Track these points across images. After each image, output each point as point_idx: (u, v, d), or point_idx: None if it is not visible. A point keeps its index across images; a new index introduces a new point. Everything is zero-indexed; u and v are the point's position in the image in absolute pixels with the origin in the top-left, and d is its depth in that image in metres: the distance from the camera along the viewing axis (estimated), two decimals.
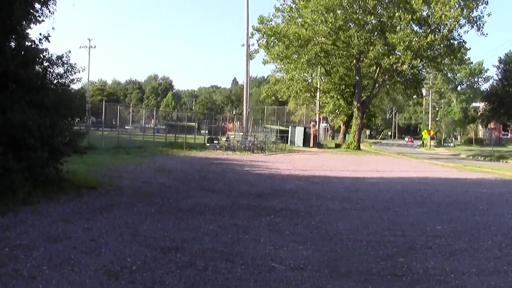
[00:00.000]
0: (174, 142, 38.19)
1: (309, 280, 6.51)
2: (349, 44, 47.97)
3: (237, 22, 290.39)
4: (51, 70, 13.22)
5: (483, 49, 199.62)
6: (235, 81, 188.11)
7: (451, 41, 48.04)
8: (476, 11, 45.90)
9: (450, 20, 44.33)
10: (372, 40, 47.70)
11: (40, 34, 12.88)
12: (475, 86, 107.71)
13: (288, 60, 53.39)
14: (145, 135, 39.99)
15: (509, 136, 74.35)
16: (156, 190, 14.29)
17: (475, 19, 46.04)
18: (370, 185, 19.26)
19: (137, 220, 9.74)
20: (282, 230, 9.47)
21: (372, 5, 46.22)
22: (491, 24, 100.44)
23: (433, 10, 44.66)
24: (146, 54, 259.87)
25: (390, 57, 46.11)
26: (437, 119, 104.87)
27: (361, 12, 46.84)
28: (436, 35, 44.62)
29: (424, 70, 59.62)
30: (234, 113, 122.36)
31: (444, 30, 45.49)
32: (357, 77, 52.44)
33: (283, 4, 53.58)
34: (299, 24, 49.99)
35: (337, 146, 56.89)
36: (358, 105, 52.16)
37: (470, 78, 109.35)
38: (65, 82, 13.50)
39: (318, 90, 64.48)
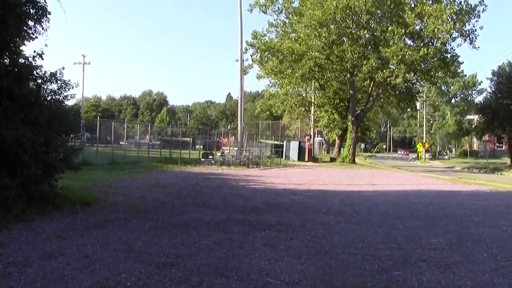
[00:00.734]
0: (169, 158, 38.16)
1: None
2: (343, 59, 48.15)
3: (231, 37, 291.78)
4: (45, 87, 13.24)
5: (477, 62, 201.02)
6: (229, 96, 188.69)
7: (444, 54, 48.30)
8: (469, 24, 46.23)
9: (443, 33, 44.56)
10: (365, 54, 47.91)
11: (34, 51, 12.92)
12: (469, 99, 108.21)
13: (282, 74, 53.50)
14: (140, 151, 39.91)
15: (503, 148, 74.46)
16: (151, 206, 14.26)
17: (467, 32, 46.31)
18: (365, 198, 19.25)
19: (131, 236, 9.71)
20: (277, 245, 9.45)
21: (365, 19, 46.48)
22: (484, 37, 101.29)
23: (425, 24, 44.88)
24: (141, 70, 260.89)
25: (384, 71, 46.27)
26: (431, 132, 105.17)
27: (354, 26, 47.09)
28: (429, 49, 44.85)
29: (418, 84, 59.90)
30: (228, 128, 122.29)
31: (437, 44, 45.71)
32: (351, 91, 52.56)
33: (277, 19, 53.91)
34: (293, 39, 50.22)
35: (332, 160, 56.90)
36: (353, 119, 52.27)
37: (464, 91, 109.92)
38: (59, 98, 13.50)
39: (312, 104, 64.58)
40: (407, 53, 44.45)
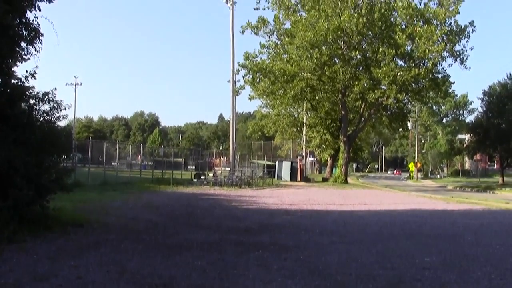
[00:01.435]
0: (161, 178, 38.08)
1: None
2: (335, 79, 48.35)
3: (223, 58, 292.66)
4: (37, 108, 13.24)
5: (468, 82, 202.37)
6: (221, 117, 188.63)
7: (435, 74, 48.64)
8: (459, 45, 46.72)
9: (434, 54, 44.94)
10: (357, 75, 48.17)
11: (27, 71, 12.93)
12: (460, 118, 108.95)
13: (274, 95, 53.64)
14: (132, 171, 39.85)
15: (495, 167, 74.68)
16: (143, 227, 14.21)
17: (458, 53, 46.76)
18: (358, 218, 19.25)
19: (124, 257, 9.64)
20: (270, 265, 9.40)
21: (357, 40, 46.80)
22: (475, 57, 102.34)
23: (416, 45, 45.22)
24: (132, 91, 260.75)
25: (375, 91, 46.43)
26: (423, 151, 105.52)
27: (345, 47, 47.37)
28: (420, 69, 45.10)
29: (409, 104, 60.13)
30: (220, 148, 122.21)
31: (428, 64, 45.95)
32: (343, 112, 52.69)
33: (269, 40, 54.06)
34: (285, 60, 50.43)
35: (324, 180, 56.85)
36: (345, 139, 52.35)
37: (455, 110, 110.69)
38: (51, 119, 13.49)
39: (304, 124, 64.64)
40: (399, 74, 44.72)
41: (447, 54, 46.84)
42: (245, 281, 8.12)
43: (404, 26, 46.78)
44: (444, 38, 44.96)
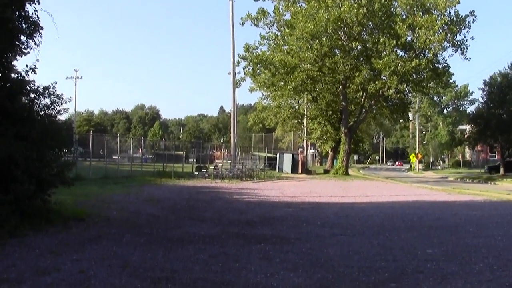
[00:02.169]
0: (162, 171, 38.05)
1: None
2: (335, 71, 48.31)
3: (223, 50, 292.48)
4: (38, 102, 13.20)
5: (468, 72, 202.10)
6: (222, 109, 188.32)
7: (436, 65, 48.55)
8: (460, 35, 46.62)
9: (434, 44, 44.85)
10: (357, 66, 48.10)
11: (27, 65, 12.90)
12: (461, 109, 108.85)
13: (274, 87, 53.64)
14: (133, 165, 39.80)
15: (496, 158, 74.56)
16: (145, 220, 14.20)
17: (458, 43, 46.66)
18: (360, 210, 19.24)
19: (126, 251, 9.64)
20: (272, 258, 9.40)
21: (357, 31, 46.69)
22: (476, 47, 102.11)
23: (417, 35, 45.17)
24: (133, 84, 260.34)
25: (376, 82, 46.41)
26: (424, 142, 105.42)
27: (346, 38, 47.29)
28: (421, 60, 45.11)
29: (410, 95, 60.04)
30: (221, 141, 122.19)
31: (429, 55, 45.96)
32: (343, 103, 52.65)
33: (269, 32, 54.04)
34: (285, 51, 50.41)
35: (326, 172, 56.86)
36: (346, 130, 52.33)
37: (456, 101, 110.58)
38: (52, 113, 13.47)
39: (305, 116, 64.60)
40: (399, 64, 44.69)
41: (448, 44, 46.77)
42: (247, 274, 8.10)
43: (404, 16, 46.82)
44: (445, 28, 44.87)
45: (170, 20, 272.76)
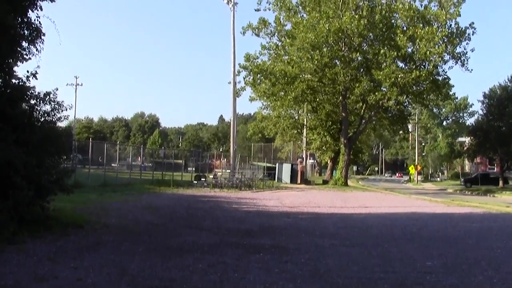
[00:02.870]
0: (161, 180, 37.98)
1: None
2: (335, 81, 48.32)
3: (224, 59, 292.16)
4: (38, 108, 13.18)
5: (468, 85, 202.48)
6: (221, 118, 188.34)
7: (436, 77, 48.61)
8: (460, 47, 46.74)
9: (435, 56, 44.94)
10: (358, 77, 48.13)
11: (28, 71, 12.87)
12: (460, 121, 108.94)
13: (274, 97, 53.68)
14: (132, 173, 39.80)
15: (495, 170, 74.57)
16: (144, 228, 14.18)
17: (459, 55, 46.77)
18: (359, 221, 19.23)
19: (124, 259, 9.61)
20: (271, 268, 9.38)
21: (358, 42, 46.82)
22: (476, 59, 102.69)
23: (417, 47, 45.26)
24: (133, 91, 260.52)
25: (376, 93, 46.44)
26: (423, 154, 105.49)
27: (346, 49, 47.37)
28: (421, 71, 45.15)
29: (410, 106, 60.15)
30: (221, 150, 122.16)
31: (429, 66, 45.99)
32: (343, 114, 52.64)
33: (269, 42, 54.14)
34: (285, 61, 50.41)
35: (325, 182, 56.78)
36: (345, 141, 52.33)
37: (455, 113, 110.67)
38: (52, 119, 13.44)
39: (304, 126, 64.60)
40: (399, 76, 44.76)
41: (448, 57, 46.90)
42: (246, 284, 8.09)
43: (405, 28, 46.81)
44: (445, 40, 44.99)
45: (171, 29, 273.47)
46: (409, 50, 46.94)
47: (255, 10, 53.36)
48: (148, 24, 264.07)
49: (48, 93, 13.25)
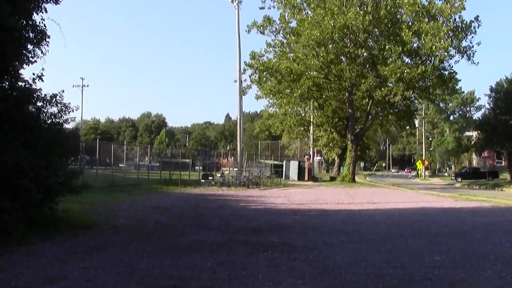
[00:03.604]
0: (168, 179, 38.03)
1: None
2: (341, 78, 48.27)
3: (229, 58, 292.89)
4: (45, 110, 13.22)
5: (475, 78, 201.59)
6: (228, 117, 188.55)
7: (442, 71, 48.52)
8: (466, 41, 46.69)
9: (441, 50, 44.80)
10: (363, 73, 48.04)
11: (34, 74, 12.92)
12: (467, 115, 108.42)
13: (280, 94, 53.72)
14: (140, 173, 39.86)
15: (503, 164, 74.27)
16: (152, 228, 14.21)
17: (465, 49, 46.72)
18: (367, 217, 19.19)
19: (133, 259, 9.64)
20: (280, 266, 9.39)
21: (363, 38, 46.75)
22: (482, 53, 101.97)
23: (423, 42, 45.18)
24: (139, 92, 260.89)
25: (382, 89, 46.38)
26: (430, 149, 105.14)
27: (352, 45, 47.35)
28: (427, 66, 45.08)
29: (416, 101, 60.00)
30: (228, 148, 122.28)
31: (435, 61, 45.87)
32: (349, 110, 52.61)
33: (275, 39, 54.03)
34: (291, 59, 50.41)
35: (332, 179, 56.77)
36: (352, 137, 52.29)
37: (462, 107, 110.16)
38: (59, 121, 13.48)
39: (311, 124, 64.60)
40: (405, 71, 44.70)
41: (454, 51, 46.81)
42: (255, 282, 8.09)
43: (410, 23, 46.72)
44: (450, 34, 44.90)
45: (176, 28, 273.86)
46: (415, 45, 46.86)
47: (260, 8, 53.30)
48: (153, 24, 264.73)
49: (54, 95, 13.30)
